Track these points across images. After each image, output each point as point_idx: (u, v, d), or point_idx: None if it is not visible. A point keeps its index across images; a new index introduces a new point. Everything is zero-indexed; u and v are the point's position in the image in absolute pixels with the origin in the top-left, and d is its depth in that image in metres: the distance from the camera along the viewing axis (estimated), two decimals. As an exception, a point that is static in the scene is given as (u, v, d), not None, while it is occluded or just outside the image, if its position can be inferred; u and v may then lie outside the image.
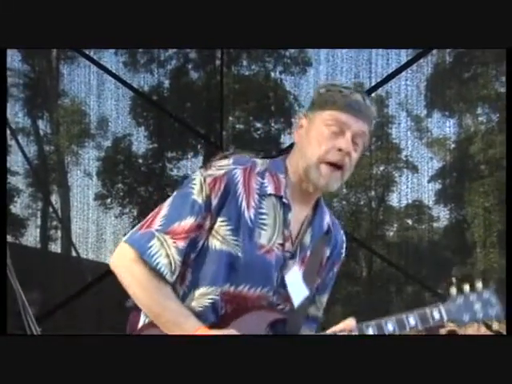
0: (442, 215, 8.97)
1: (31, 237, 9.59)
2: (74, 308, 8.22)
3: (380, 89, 8.12)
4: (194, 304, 2.24)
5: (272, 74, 9.58)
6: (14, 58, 8.82)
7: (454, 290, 2.33)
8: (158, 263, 2.17)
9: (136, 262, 2.18)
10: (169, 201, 2.25)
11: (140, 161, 10.18)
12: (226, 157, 2.27)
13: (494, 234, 8.89)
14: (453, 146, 8.85)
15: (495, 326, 2.24)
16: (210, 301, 2.21)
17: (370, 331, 2.25)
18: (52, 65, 9.25)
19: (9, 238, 8.79)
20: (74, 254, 9.18)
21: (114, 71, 8.29)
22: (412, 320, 2.28)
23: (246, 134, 10.12)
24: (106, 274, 7.85)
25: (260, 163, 2.28)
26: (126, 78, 8.32)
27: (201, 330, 2.15)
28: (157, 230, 2.20)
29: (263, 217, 2.23)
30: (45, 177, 9.84)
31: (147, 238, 2.19)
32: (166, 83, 9.50)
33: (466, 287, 2.33)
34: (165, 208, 2.24)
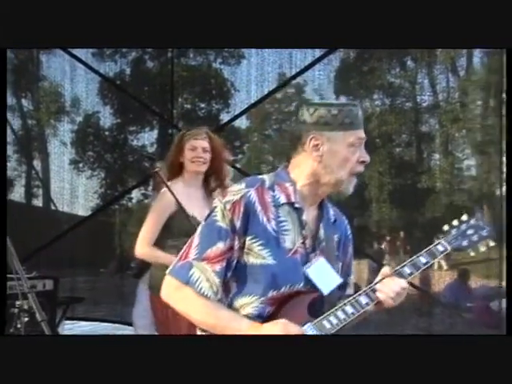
0: (346, 178, 9.11)
1: (17, 193, 9.54)
2: (52, 250, 8.12)
3: (299, 77, 8.18)
4: (240, 313, 2.12)
5: (213, 65, 9.54)
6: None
7: (446, 227, 2.29)
8: (201, 288, 2.06)
9: (181, 288, 2.08)
10: (198, 232, 2.13)
11: (106, 133, 10.03)
12: (239, 182, 2.17)
13: (386, 192, 9.06)
14: (355, 123, 8.96)
15: (491, 243, 2.19)
16: (255, 308, 2.10)
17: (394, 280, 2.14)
18: (33, 54, 9.02)
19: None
20: (52, 207, 9.07)
21: (84, 59, 8.10)
22: (423, 259, 2.20)
23: (192, 112, 10.02)
24: (78, 223, 7.80)
25: (267, 179, 2.17)
26: (94, 65, 8.13)
27: (253, 326, 2.04)
28: (194, 259, 2.08)
29: (283, 224, 2.12)
30: (28, 145, 9.71)
31: (187, 268, 2.08)
32: (128, 70, 9.39)
33: (455, 221, 2.30)
34: (196, 239, 2.12)
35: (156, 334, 4.78)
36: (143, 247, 3.68)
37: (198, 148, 3.73)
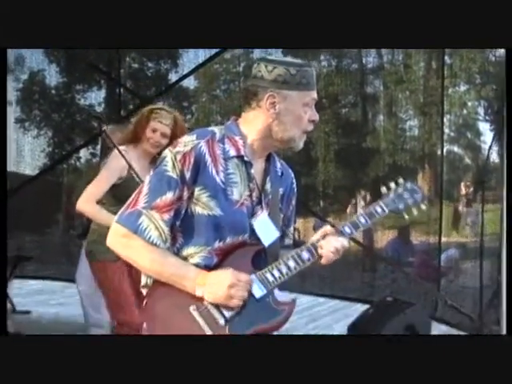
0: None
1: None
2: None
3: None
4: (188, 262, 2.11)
5: (161, 23, 9.32)
6: None
7: (383, 189, 2.33)
8: (150, 236, 2.04)
9: (130, 236, 2.05)
10: (147, 180, 2.11)
11: (53, 92, 9.80)
12: (189, 133, 2.15)
13: (332, 152, 9.10)
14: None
15: (423, 207, 2.26)
16: (202, 258, 2.10)
17: (336, 237, 2.20)
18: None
19: None
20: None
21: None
22: (362, 219, 2.25)
23: (140, 72, 9.91)
24: (24, 183, 7.59)
25: (218, 131, 2.16)
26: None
27: (201, 273, 2.05)
28: (143, 208, 2.06)
29: (231, 176, 2.12)
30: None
31: (135, 216, 2.06)
32: (74, 28, 9.11)
33: (392, 184, 2.34)
34: (145, 187, 2.09)
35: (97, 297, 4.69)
36: (88, 202, 3.55)
37: (157, 131, 3.67)
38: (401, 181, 2.37)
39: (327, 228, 2.23)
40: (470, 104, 10.68)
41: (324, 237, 2.20)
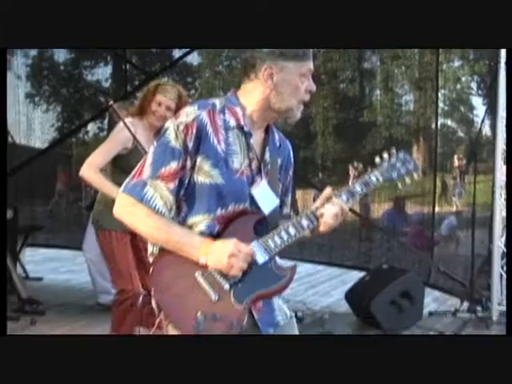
0: (295, 113, 9.19)
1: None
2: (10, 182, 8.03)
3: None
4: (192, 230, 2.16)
5: (165, 0, 9.29)
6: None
7: (377, 159, 2.32)
8: (155, 205, 2.08)
9: (135, 205, 2.09)
10: (151, 151, 2.13)
11: (61, 68, 9.85)
12: (191, 104, 2.16)
13: (330, 126, 9.17)
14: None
15: (415, 176, 2.27)
16: (205, 226, 2.14)
17: (333, 203, 2.20)
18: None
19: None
20: (9, 140, 8.90)
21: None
22: (358, 187, 2.26)
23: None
24: (34, 156, 7.68)
25: (218, 102, 2.17)
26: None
27: (206, 242, 2.09)
28: (148, 178, 2.09)
29: (232, 146, 2.15)
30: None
31: (141, 185, 2.09)
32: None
33: (385, 154, 2.33)
34: (149, 158, 2.12)
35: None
36: (90, 169, 3.59)
37: (163, 105, 3.72)
38: (394, 151, 2.37)
39: (326, 192, 2.24)
40: (463, 79, 10.73)
41: (323, 204, 2.21)
